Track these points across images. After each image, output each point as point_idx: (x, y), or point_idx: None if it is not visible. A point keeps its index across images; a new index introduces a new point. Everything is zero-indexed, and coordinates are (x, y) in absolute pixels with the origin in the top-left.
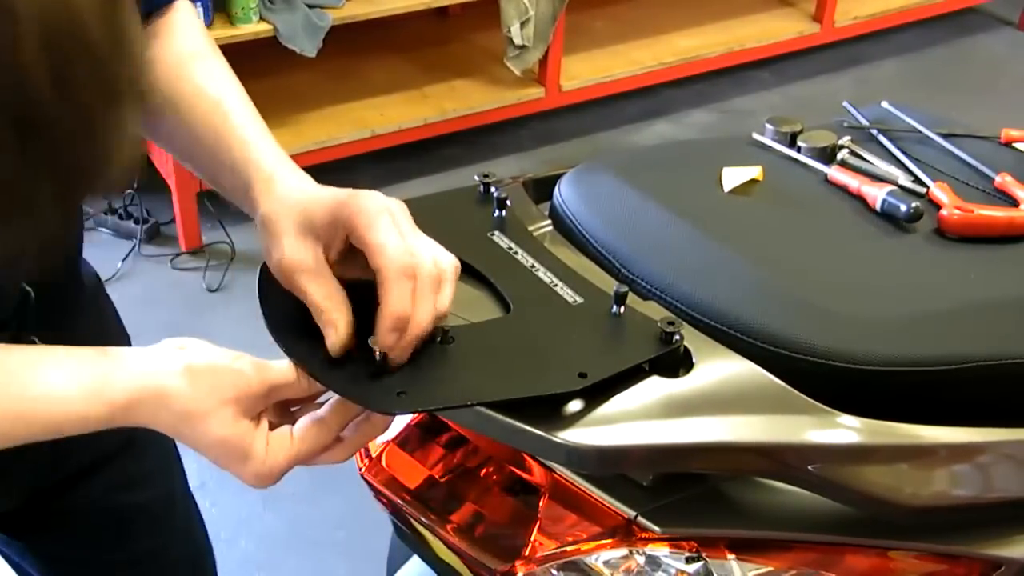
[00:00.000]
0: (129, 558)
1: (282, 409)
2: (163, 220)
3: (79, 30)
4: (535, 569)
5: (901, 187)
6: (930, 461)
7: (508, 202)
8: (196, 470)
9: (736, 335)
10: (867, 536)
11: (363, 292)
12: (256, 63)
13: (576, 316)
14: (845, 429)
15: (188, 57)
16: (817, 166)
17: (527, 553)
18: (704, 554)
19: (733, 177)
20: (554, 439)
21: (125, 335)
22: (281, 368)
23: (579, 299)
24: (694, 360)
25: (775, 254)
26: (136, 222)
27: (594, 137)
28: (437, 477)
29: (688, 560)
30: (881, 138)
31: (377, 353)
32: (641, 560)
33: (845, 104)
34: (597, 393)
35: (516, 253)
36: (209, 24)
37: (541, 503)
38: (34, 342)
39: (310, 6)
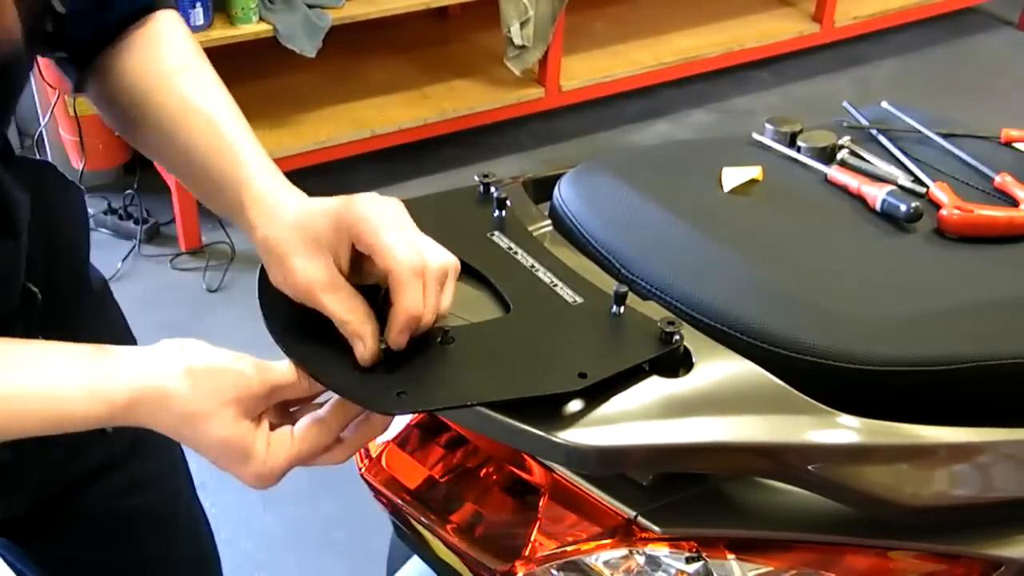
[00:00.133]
0: (134, 561)
1: (282, 410)
2: (163, 220)
3: None
4: (535, 569)
5: (901, 187)
6: (930, 461)
7: (508, 202)
8: (196, 470)
9: (736, 335)
10: (867, 536)
11: (363, 292)
12: (256, 63)
13: (576, 316)
14: (845, 429)
15: (174, 71)
16: (817, 166)
17: (527, 553)
18: (704, 554)
19: (733, 177)
20: (554, 439)
21: (131, 338)
22: (282, 369)
23: (579, 299)
24: (694, 360)
25: (775, 254)
26: (136, 222)
27: (594, 137)
28: (437, 477)
29: (688, 560)
30: (881, 138)
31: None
32: (641, 560)
33: (845, 104)
34: (597, 393)
35: (516, 253)
36: (209, 24)
37: (541, 503)
38: None
39: (310, 6)
